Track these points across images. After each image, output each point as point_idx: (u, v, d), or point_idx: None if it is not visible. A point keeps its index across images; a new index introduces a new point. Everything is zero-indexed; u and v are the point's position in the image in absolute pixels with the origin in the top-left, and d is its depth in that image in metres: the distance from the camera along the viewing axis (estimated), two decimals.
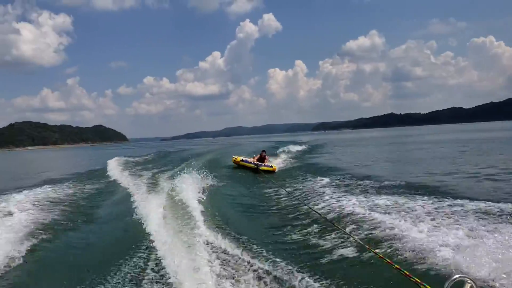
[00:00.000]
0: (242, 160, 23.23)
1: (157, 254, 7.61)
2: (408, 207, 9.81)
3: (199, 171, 17.57)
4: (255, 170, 21.59)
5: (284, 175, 20.41)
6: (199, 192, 13.86)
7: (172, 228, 9.31)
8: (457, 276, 3.14)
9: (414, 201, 10.51)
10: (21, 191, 16.47)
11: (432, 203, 10.15)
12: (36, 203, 13.65)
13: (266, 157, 23.67)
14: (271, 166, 22.40)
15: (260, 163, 22.25)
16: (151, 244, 8.19)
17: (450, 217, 8.55)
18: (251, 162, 22.60)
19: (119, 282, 6.54)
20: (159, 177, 20.06)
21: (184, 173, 16.49)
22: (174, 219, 10.18)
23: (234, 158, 23.82)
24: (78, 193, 17.27)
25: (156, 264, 7.19)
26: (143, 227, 9.65)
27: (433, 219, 8.51)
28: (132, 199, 13.97)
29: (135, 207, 12.18)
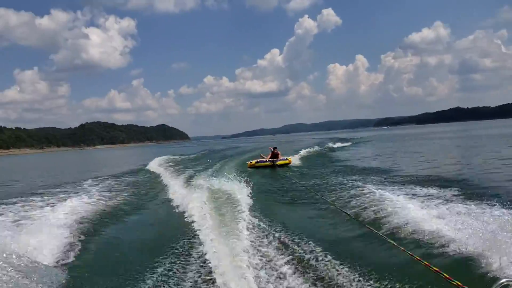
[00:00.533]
0: (257, 162, 23.84)
1: (198, 244, 8.05)
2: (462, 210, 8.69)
3: (238, 168, 19.27)
4: (273, 166, 22.65)
5: (316, 174, 19.69)
6: (239, 186, 14.52)
7: (212, 219, 9.72)
8: (504, 280, 2.88)
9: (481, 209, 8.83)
10: (81, 184, 18.98)
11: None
12: (91, 195, 15.15)
13: (279, 152, 24.82)
14: (286, 159, 23.84)
15: (275, 159, 23.45)
16: (193, 234, 8.77)
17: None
18: (266, 161, 23.57)
19: (162, 270, 6.94)
20: (201, 173, 21.35)
21: (224, 170, 18.24)
22: (215, 212, 10.61)
23: (249, 163, 24.16)
24: (129, 186, 18.97)
25: (197, 254, 7.58)
26: (185, 219, 10.49)
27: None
28: (174, 193, 15.27)
29: (177, 200, 13.34)
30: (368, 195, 11.57)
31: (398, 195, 10.95)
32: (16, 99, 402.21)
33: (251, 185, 15.41)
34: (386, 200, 10.43)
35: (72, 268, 7.36)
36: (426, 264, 4.75)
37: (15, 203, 13.47)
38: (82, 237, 9.26)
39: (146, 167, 28.69)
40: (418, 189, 12.12)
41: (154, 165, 28.75)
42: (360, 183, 13.97)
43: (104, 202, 13.96)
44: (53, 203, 13.18)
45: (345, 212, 9.89)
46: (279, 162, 23.02)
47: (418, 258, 5.11)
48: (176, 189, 16.09)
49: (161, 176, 22.01)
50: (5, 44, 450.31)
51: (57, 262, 7.60)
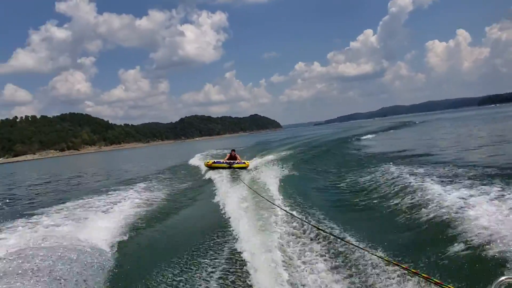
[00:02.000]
0: (214, 162, 24.33)
1: (234, 237, 8.54)
2: None
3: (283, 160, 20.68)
4: (229, 168, 22.99)
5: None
6: (276, 179, 15.13)
7: (250, 212, 10.33)
8: (503, 278, 2.99)
9: None
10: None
11: None
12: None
13: (237, 155, 25.22)
14: (244, 162, 24.00)
15: (232, 161, 23.89)
16: (230, 228, 9.29)
17: None
18: (223, 162, 24.01)
19: (200, 262, 7.42)
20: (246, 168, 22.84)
21: (267, 162, 20.09)
22: (253, 205, 11.09)
23: (206, 163, 24.72)
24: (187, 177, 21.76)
25: (231, 248, 7.95)
26: (224, 213, 11.03)
27: None
28: (217, 187, 16.61)
29: (219, 194, 14.35)
30: (424, 192, 10.10)
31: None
32: (122, 97, 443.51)
33: (292, 180, 15.80)
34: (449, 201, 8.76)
35: (122, 255, 8.36)
36: None
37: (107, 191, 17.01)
38: (136, 226, 10.69)
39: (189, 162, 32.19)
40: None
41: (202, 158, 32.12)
42: (418, 179, 12.05)
43: (162, 195, 16.17)
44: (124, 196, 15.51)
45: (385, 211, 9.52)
46: (235, 165, 23.45)
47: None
48: (218, 185, 17.27)
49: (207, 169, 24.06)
50: (110, 47, 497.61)
51: (111, 247, 8.72)
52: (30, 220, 11.35)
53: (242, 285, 6.33)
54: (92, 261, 7.44)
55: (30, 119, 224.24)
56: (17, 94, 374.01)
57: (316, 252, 7.29)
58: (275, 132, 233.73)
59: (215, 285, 6.43)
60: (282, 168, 18.68)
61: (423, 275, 4.27)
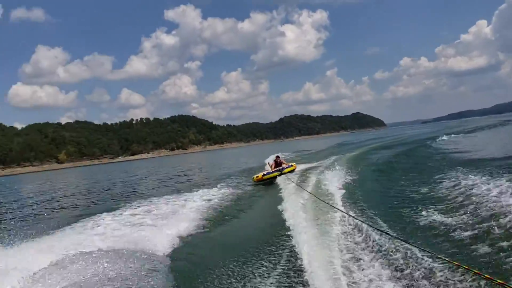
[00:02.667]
0: (264, 175, 22.58)
1: (293, 240, 8.57)
2: None
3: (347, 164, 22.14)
4: (280, 175, 22.22)
5: None
6: (340, 185, 14.98)
7: (311, 215, 10.34)
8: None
9: None
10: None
11: None
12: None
13: (282, 160, 24.72)
14: (291, 165, 23.89)
15: (281, 167, 23.15)
16: (291, 231, 9.27)
17: None
18: (272, 172, 22.85)
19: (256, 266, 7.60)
20: (312, 170, 22.88)
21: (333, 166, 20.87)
22: (314, 210, 11.04)
23: (255, 177, 22.78)
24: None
25: (290, 252, 8.01)
26: (285, 217, 10.90)
27: None
28: (282, 190, 16.99)
29: (283, 197, 14.65)
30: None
31: None
32: (224, 99, 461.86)
33: (354, 183, 15.80)
34: None
35: (183, 257, 8.95)
36: None
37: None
38: (202, 226, 11.62)
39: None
40: None
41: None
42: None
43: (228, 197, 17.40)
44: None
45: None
46: (285, 171, 22.70)
47: None
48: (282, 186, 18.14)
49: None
50: (214, 51, 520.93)
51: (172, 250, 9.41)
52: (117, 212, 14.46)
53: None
54: (155, 260, 8.10)
55: (144, 121, 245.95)
56: (132, 97, 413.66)
57: (375, 254, 7.16)
58: (378, 131, 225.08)
59: (275, 281, 6.71)
60: (348, 169, 19.15)
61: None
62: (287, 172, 22.47)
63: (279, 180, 20.67)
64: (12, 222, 14.97)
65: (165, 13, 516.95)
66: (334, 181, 15.82)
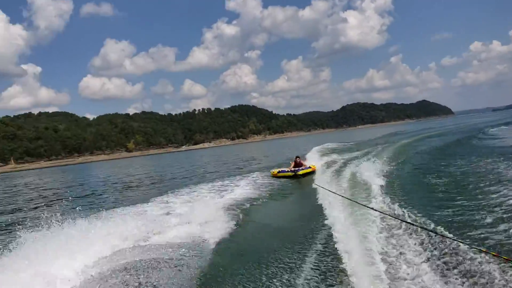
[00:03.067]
0: (279, 172, 22.47)
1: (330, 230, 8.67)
2: None
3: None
4: (295, 177, 21.48)
5: None
6: (378, 176, 14.70)
7: (348, 206, 10.34)
8: None
9: None
10: None
11: None
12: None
13: (302, 161, 24.00)
14: (309, 167, 22.94)
15: (297, 169, 22.25)
16: (326, 223, 9.31)
17: None
18: (287, 171, 22.26)
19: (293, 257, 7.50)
20: (351, 160, 23.23)
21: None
22: (351, 201, 10.78)
23: (272, 172, 22.93)
24: None
25: (327, 243, 7.98)
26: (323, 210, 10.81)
27: None
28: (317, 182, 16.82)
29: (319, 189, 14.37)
30: None
31: None
32: (284, 87, 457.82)
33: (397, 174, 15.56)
34: None
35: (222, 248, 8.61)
36: None
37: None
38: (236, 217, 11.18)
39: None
40: None
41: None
42: None
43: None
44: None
45: None
46: (300, 172, 21.75)
47: None
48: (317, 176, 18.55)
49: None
50: (274, 39, 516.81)
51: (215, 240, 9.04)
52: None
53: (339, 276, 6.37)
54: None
55: (206, 111, 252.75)
56: (194, 88, 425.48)
57: (415, 249, 6.99)
58: (445, 119, 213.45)
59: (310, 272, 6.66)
60: (388, 161, 19.09)
61: None
62: (302, 174, 21.77)
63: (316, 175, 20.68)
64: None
65: (226, 4, 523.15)
66: (372, 171, 15.71)
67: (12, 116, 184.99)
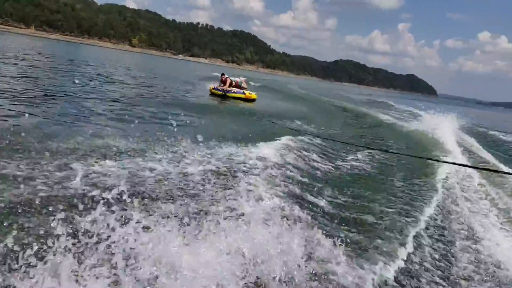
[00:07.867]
0: (214, 89, 20.24)
1: None
2: None
3: None
4: (224, 97, 19.30)
5: None
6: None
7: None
8: None
9: None
10: None
11: None
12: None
13: (227, 79, 20.23)
14: (244, 93, 19.18)
15: (229, 89, 19.64)
16: None
17: None
18: (219, 90, 20.05)
19: None
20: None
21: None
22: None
23: (210, 88, 20.85)
24: None
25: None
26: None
27: None
28: None
29: None
30: None
31: None
32: (288, 24, 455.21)
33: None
34: None
35: None
36: None
37: None
38: None
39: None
40: None
41: None
42: None
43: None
44: None
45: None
46: (230, 95, 18.93)
47: None
48: None
49: None
50: None
51: None
52: None
53: None
54: None
55: (208, 28, 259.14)
56: None
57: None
58: (426, 99, 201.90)
59: None
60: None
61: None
62: (232, 97, 18.90)
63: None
64: None
65: None
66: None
67: None
